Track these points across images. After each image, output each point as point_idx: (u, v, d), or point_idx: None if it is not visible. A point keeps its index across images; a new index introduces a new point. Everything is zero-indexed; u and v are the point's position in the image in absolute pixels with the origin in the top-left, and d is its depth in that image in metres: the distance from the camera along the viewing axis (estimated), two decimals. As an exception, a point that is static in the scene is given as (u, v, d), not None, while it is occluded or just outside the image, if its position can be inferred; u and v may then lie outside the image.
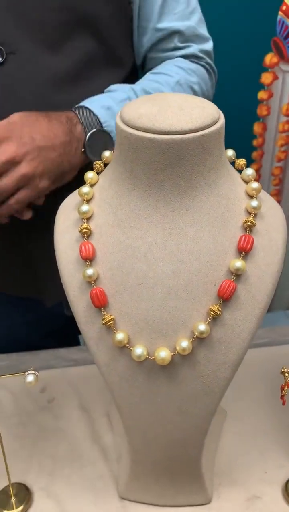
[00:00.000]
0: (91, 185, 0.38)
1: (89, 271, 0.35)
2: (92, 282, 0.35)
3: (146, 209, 0.35)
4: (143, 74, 0.64)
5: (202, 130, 0.33)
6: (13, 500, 0.45)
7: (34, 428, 0.54)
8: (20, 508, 0.45)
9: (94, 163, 0.39)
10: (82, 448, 0.51)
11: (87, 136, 0.52)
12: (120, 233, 0.36)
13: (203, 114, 0.34)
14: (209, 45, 0.63)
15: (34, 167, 0.48)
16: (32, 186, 0.48)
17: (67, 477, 0.48)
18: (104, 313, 0.35)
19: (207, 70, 0.63)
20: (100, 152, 0.42)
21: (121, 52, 0.58)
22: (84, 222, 0.36)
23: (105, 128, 0.54)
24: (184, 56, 0.60)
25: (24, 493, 0.46)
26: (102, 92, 0.57)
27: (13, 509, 0.45)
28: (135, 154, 0.34)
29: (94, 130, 0.53)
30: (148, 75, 0.60)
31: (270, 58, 0.98)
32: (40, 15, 0.52)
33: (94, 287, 0.35)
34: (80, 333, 0.37)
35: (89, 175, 0.39)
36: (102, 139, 0.53)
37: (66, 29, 0.53)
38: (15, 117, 0.49)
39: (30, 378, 0.40)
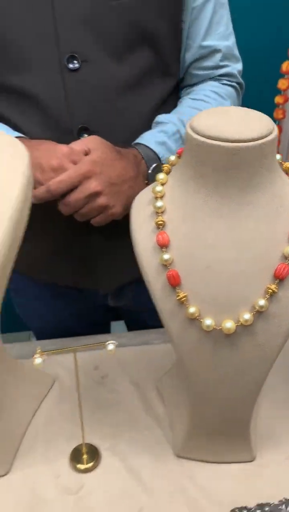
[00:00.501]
0: (162, 184, 0.45)
1: (166, 256, 0.42)
2: (168, 265, 0.42)
3: (212, 204, 0.42)
4: (181, 88, 0.72)
5: (261, 139, 0.40)
6: (84, 457, 0.52)
7: (92, 400, 0.61)
8: (91, 464, 0.52)
9: (163, 165, 0.46)
10: (138, 417, 0.58)
11: (150, 170, 0.61)
12: (190, 225, 0.43)
13: (261, 125, 0.41)
14: (241, 65, 0.71)
15: (110, 199, 0.57)
16: (107, 213, 0.58)
17: (128, 440, 0.55)
18: (179, 291, 0.42)
19: (236, 90, 0.71)
20: None
21: (173, 64, 0.65)
22: (159, 216, 0.43)
23: (163, 162, 0.62)
24: (221, 75, 0.68)
25: (93, 452, 0.53)
26: (155, 98, 0.65)
27: (85, 464, 0.52)
28: (205, 158, 0.41)
29: (155, 164, 0.61)
30: (188, 101, 0.68)
31: (286, 66, 1.05)
32: (110, 29, 0.58)
33: (170, 269, 0.42)
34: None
35: (160, 176, 0.45)
36: (160, 171, 0.62)
37: (131, 42, 0.60)
38: (96, 155, 0.57)
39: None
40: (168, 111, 0.67)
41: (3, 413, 0.52)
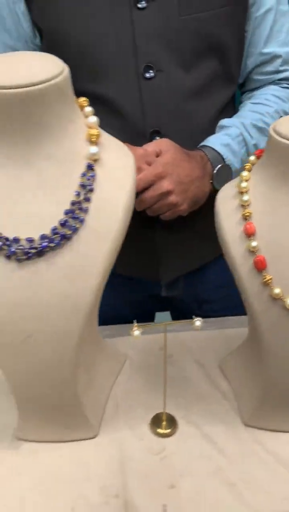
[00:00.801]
0: (246, 181, 0.51)
1: (254, 243, 0.48)
2: (255, 251, 0.48)
3: (294, 199, 0.48)
4: (241, 93, 0.78)
5: None
6: (164, 423, 0.58)
7: (161, 376, 0.67)
8: (170, 430, 0.58)
9: (245, 164, 0.53)
10: (205, 392, 0.64)
11: (215, 170, 0.67)
12: (273, 217, 0.48)
13: None
14: None
15: (179, 197, 0.64)
16: (175, 210, 0.65)
17: (199, 411, 0.61)
18: (265, 274, 0.48)
19: None
20: (223, 182, 0.59)
21: (235, 72, 0.71)
22: (246, 208, 0.49)
23: (226, 163, 0.69)
24: (281, 79, 0.73)
25: (171, 420, 0.59)
26: (219, 103, 0.71)
27: (164, 429, 0.58)
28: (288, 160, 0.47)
29: (220, 165, 0.68)
30: (249, 105, 0.74)
31: None
32: (182, 41, 0.64)
33: (257, 255, 0.48)
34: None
35: (244, 173, 0.52)
36: (225, 171, 0.69)
37: (200, 53, 0.66)
38: (167, 157, 0.63)
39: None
40: (229, 115, 0.73)
41: (94, 384, 0.58)
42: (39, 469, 0.54)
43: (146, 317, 0.92)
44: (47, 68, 0.43)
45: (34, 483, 0.53)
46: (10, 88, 0.41)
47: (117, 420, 0.60)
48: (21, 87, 0.41)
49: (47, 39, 0.68)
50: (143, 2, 0.62)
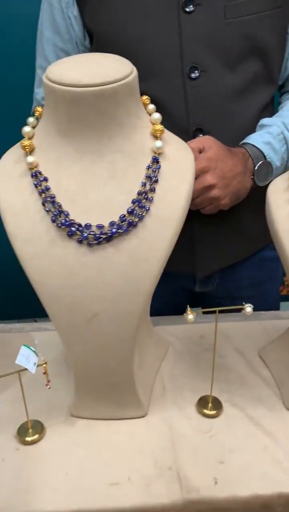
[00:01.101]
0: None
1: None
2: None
3: None
4: (280, 94, 0.81)
5: None
6: (210, 405, 0.62)
7: (204, 363, 0.70)
8: (215, 411, 0.61)
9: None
10: (246, 377, 0.67)
11: (256, 167, 0.70)
12: None
13: None
14: None
15: (222, 191, 0.67)
16: (217, 204, 0.69)
17: (242, 395, 0.64)
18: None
19: None
20: (263, 178, 0.64)
21: (276, 73, 0.74)
22: (297, 200, 0.53)
23: (267, 159, 0.72)
24: None
25: (216, 402, 0.62)
26: (259, 103, 0.74)
27: (211, 410, 0.61)
28: None
29: (261, 162, 0.71)
30: (288, 105, 0.77)
31: None
32: (227, 43, 0.68)
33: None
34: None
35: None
36: (265, 168, 0.72)
37: (243, 54, 0.69)
38: (211, 153, 0.66)
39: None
40: (269, 115, 0.77)
41: (143, 365, 0.62)
42: (95, 442, 0.58)
43: (177, 311, 0.95)
44: (119, 68, 0.47)
45: (90, 455, 0.56)
46: (86, 86, 0.45)
47: (165, 400, 0.64)
48: (97, 86, 0.45)
49: (97, 41, 0.72)
50: (191, 6, 0.65)
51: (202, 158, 0.67)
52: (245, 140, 0.73)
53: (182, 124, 0.71)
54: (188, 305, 0.56)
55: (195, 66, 0.68)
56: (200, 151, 0.68)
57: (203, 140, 0.69)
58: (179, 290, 0.92)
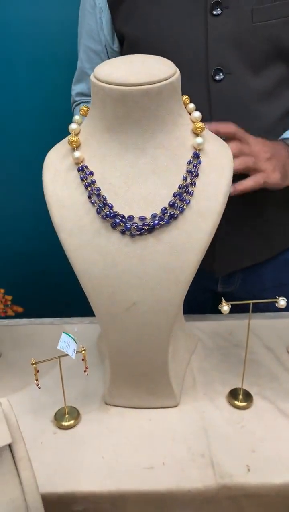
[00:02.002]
0: None
1: None
2: None
3: None
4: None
5: None
6: (240, 397, 0.63)
7: (233, 358, 0.72)
8: (246, 403, 0.63)
9: None
10: (276, 372, 0.69)
11: None
12: None
13: None
14: None
15: (268, 164, 0.67)
16: (262, 175, 0.66)
17: (272, 389, 0.65)
18: None
19: None
20: None
21: None
22: None
23: None
24: None
25: (247, 395, 0.64)
26: (284, 105, 0.75)
27: (241, 402, 0.63)
28: None
29: None
30: None
31: None
32: (252, 46, 0.69)
33: None
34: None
35: None
36: None
37: (268, 57, 0.71)
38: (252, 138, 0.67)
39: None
40: None
41: (175, 356, 0.64)
42: (128, 429, 0.60)
43: (199, 310, 0.97)
44: (163, 69, 0.50)
45: (125, 441, 0.58)
46: (133, 85, 0.48)
47: (196, 392, 0.65)
48: (143, 85, 0.48)
49: (127, 44, 0.75)
50: (218, 9, 0.67)
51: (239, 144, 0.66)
52: (284, 136, 0.74)
53: None
54: (222, 297, 0.58)
55: (220, 68, 0.70)
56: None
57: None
58: (202, 290, 0.93)
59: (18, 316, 0.75)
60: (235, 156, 0.63)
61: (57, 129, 0.81)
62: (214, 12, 0.67)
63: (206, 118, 0.74)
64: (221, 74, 0.70)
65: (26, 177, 1.14)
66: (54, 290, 1.29)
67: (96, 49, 0.79)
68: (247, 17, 0.67)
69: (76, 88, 0.87)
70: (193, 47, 0.70)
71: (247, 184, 0.66)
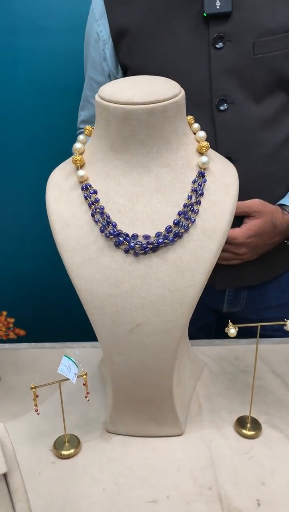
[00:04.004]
0: None
1: None
2: None
3: None
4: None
5: None
6: (248, 425, 0.60)
7: (240, 384, 0.69)
8: (254, 432, 0.60)
9: None
10: (284, 399, 0.66)
11: None
12: None
13: None
14: None
15: (249, 254, 0.73)
16: (241, 258, 0.73)
17: (281, 417, 0.63)
18: None
19: None
20: None
21: None
22: None
23: None
24: None
25: (255, 423, 0.61)
26: (286, 131, 0.75)
27: (249, 431, 0.60)
28: None
29: None
30: None
31: None
32: (254, 77, 0.70)
33: None
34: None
35: None
36: None
37: (270, 87, 0.72)
38: (257, 224, 0.72)
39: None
40: None
41: (181, 383, 0.61)
42: (131, 459, 0.57)
43: (204, 332, 0.95)
44: (168, 88, 0.50)
45: (128, 471, 0.55)
46: (138, 104, 0.48)
47: (202, 420, 0.62)
48: (148, 103, 0.48)
49: (132, 74, 0.76)
50: (220, 43, 0.69)
51: (247, 227, 0.72)
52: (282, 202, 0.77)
53: None
54: (228, 320, 0.56)
55: (223, 99, 0.71)
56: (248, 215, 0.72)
57: (252, 205, 0.72)
58: (207, 310, 0.92)
59: (19, 339, 0.73)
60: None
61: (61, 148, 0.82)
62: (217, 46, 0.69)
63: (212, 146, 0.74)
64: (225, 104, 0.71)
65: (30, 196, 1.14)
66: (55, 313, 1.27)
67: (98, 79, 0.81)
68: (248, 49, 0.69)
69: (81, 115, 0.89)
70: (196, 79, 0.71)
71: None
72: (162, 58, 0.72)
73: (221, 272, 0.82)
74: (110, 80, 0.79)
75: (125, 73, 0.79)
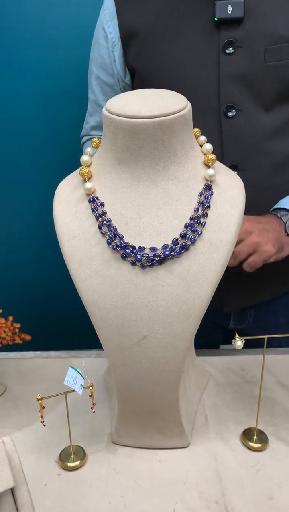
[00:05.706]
0: None
1: None
2: None
3: None
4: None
5: None
6: (255, 438, 0.60)
7: (247, 395, 0.69)
8: (261, 444, 0.59)
9: None
10: (291, 411, 0.66)
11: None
12: None
13: None
14: None
15: (260, 238, 0.67)
16: (260, 251, 0.67)
17: (288, 429, 0.62)
18: None
19: None
20: None
21: None
22: None
23: None
24: None
25: (261, 435, 0.61)
26: None
27: (256, 443, 0.59)
28: None
29: None
30: None
31: None
32: (263, 85, 0.70)
33: None
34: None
35: None
36: None
37: (279, 96, 0.72)
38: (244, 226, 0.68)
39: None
40: None
41: (187, 394, 0.61)
42: (137, 471, 0.57)
43: (210, 347, 0.94)
44: (175, 101, 0.50)
45: (134, 483, 0.55)
46: (145, 117, 0.48)
47: (208, 431, 0.62)
48: (155, 117, 0.48)
49: (139, 78, 0.76)
50: (231, 48, 0.68)
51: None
52: (278, 206, 0.74)
53: None
54: (235, 332, 0.56)
55: (232, 105, 0.71)
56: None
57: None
58: (212, 326, 0.91)
59: (24, 348, 0.73)
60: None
61: (66, 157, 0.82)
62: (227, 51, 0.69)
63: (218, 153, 0.73)
64: (233, 110, 0.71)
65: (35, 204, 1.15)
66: (61, 319, 1.27)
67: (110, 82, 0.80)
68: (259, 56, 0.68)
69: (90, 121, 0.87)
70: (205, 84, 0.71)
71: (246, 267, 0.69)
72: (170, 62, 0.72)
73: (228, 295, 0.82)
74: (119, 83, 0.80)
75: (133, 77, 0.79)
